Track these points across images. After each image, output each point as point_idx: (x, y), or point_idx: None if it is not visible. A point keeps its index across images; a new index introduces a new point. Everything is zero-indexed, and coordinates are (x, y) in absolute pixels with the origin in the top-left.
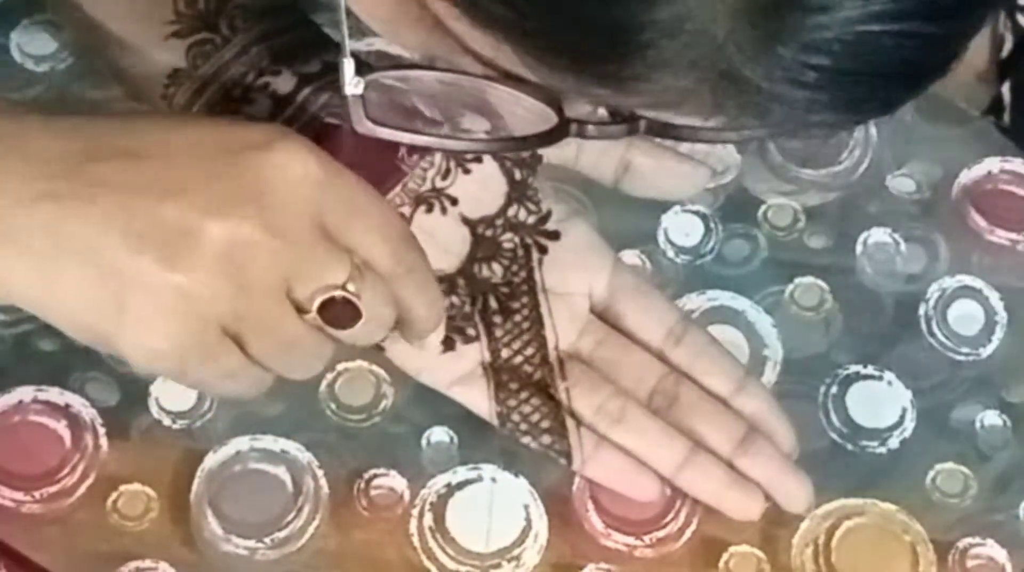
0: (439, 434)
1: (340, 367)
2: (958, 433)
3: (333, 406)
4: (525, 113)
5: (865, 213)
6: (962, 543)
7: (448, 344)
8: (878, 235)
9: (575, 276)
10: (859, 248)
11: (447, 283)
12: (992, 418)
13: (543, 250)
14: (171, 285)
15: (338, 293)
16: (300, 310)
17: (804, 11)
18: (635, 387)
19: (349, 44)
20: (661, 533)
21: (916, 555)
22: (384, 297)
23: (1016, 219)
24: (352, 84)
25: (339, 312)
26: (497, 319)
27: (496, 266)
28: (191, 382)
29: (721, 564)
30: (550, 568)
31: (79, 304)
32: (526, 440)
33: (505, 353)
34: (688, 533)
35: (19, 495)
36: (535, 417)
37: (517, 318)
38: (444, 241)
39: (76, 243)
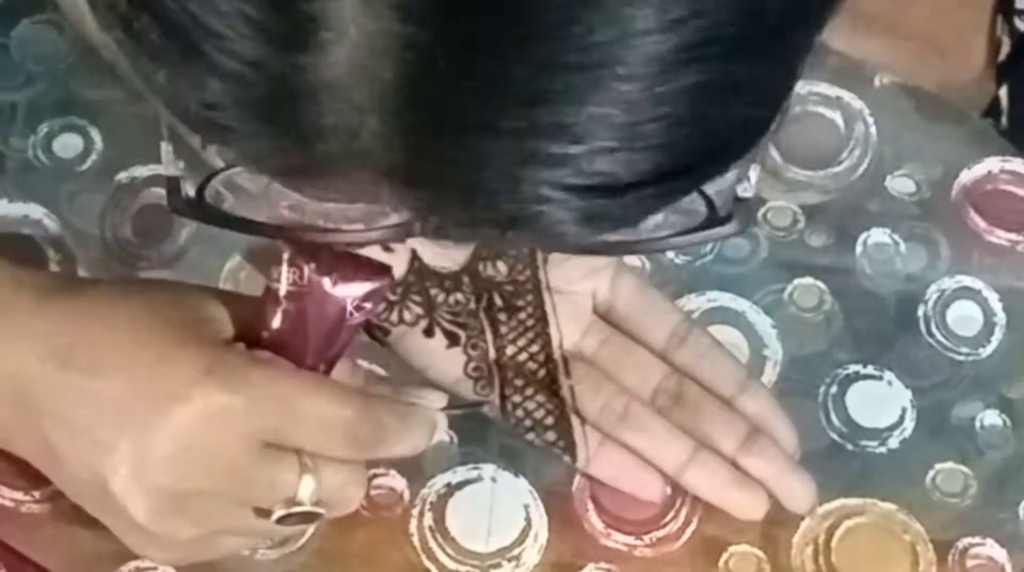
0: (439, 434)
1: None
2: (958, 433)
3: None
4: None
5: (865, 213)
6: (962, 543)
7: (453, 340)
8: (878, 235)
9: (579, 276)
10: (859, 248)
11: (451, 281)
12: (992, 417)
13: None
14: (139, 525)
15: (293, 508)
16: (265, 514)
17: (437, 108)
18: (638, 386)
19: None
20: (661, 533)
21: (916, 555)
22: (344, 481)
23: (1016, 220)
24: (171, 166)
25: (300, 519)
26: (502, 316)
27: (500, 265)
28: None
29: (721, 564)
30: (550, 568)
31: (83, 502)
32: (530, 436)
33: (510, 350)
34: (688, 533)
35: (19, 495)
36: (539, 414)
37: (522, 316)
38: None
39: (64, 445)
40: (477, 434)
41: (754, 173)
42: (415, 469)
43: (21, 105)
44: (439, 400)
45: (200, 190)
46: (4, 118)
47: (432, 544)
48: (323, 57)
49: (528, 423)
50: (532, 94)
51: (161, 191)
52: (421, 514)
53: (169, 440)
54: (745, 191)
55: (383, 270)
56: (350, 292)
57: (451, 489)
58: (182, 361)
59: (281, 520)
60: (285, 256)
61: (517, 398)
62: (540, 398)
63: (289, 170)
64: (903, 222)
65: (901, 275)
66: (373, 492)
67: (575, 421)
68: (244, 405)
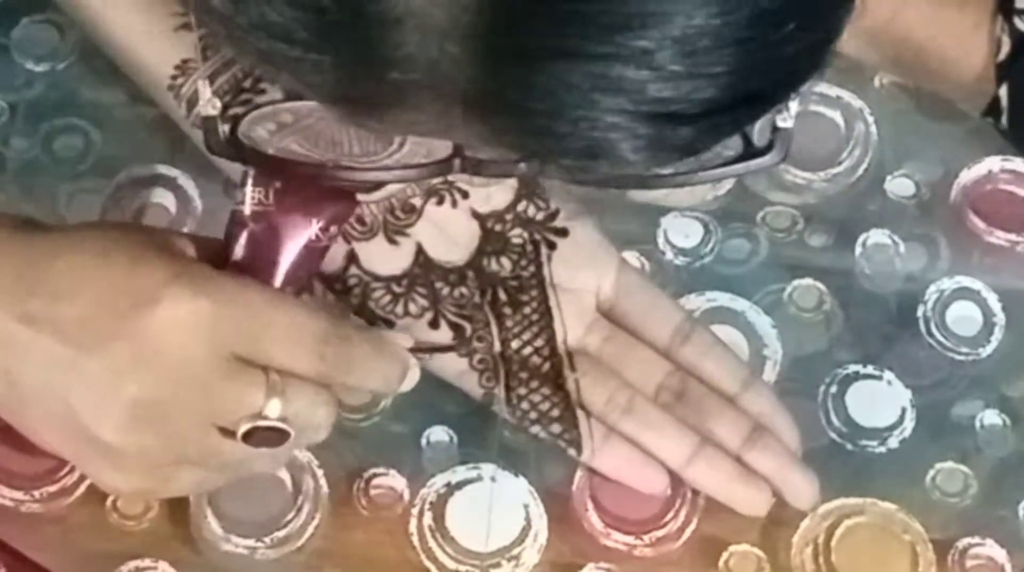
0: (439, 433)
1: None
2: (958, 432)
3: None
4: (420, 143)
5: (865, 214)
6: (961, 543)
7: (459, 332)
8: (877, 236)
9: (583, 273)
10: (858, 249)
11: (456, 275)
12: (992, 417)
13: (552, 246)
14: (104, 445)
15: (258, 422)
16: (233, 435)
17: (517, 34)
18: (642, 383)
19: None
20: (661, 532)
21: (916, 554)
22: (313, 403)
23: (1016, 220)
24: (208, 105)
25: (264, 437)
26: (507, 310)
27: (505, 260)
28: (171, 496)
29: (721, 563)
30: (550, 567)
31: (48, 440)
32: (535, 429)
33: (515, 344)
34: (688, 532)
35: (19, 494)
36: (545, 406)
37: (526, 310)
38: (454, 234)
39: (28, 388)
40: (477, 434)
41: (794, 103)
42: (415, 469)
43: (21, 105)
44: (405, 340)
45: (233, 129)
46: (4, 118)
47: (432, 544)
48: None
49: (533, 415)
50: (610, 19)
51: (161, 191)
52: (421, 514)
53: (136, 345)
54: (784, 121)
55: (348, 195)
56: (316, 212)
57: (451, 489)
58: (150, 268)
59: (246, 437)
60: (250, 177)
61: (523, 391)
62: (545, 391)
63: (361, 101)
64: (903, 223)
65: (901, 275)
66: (373, 492)
67: (580, 415)
68: (212, 310)
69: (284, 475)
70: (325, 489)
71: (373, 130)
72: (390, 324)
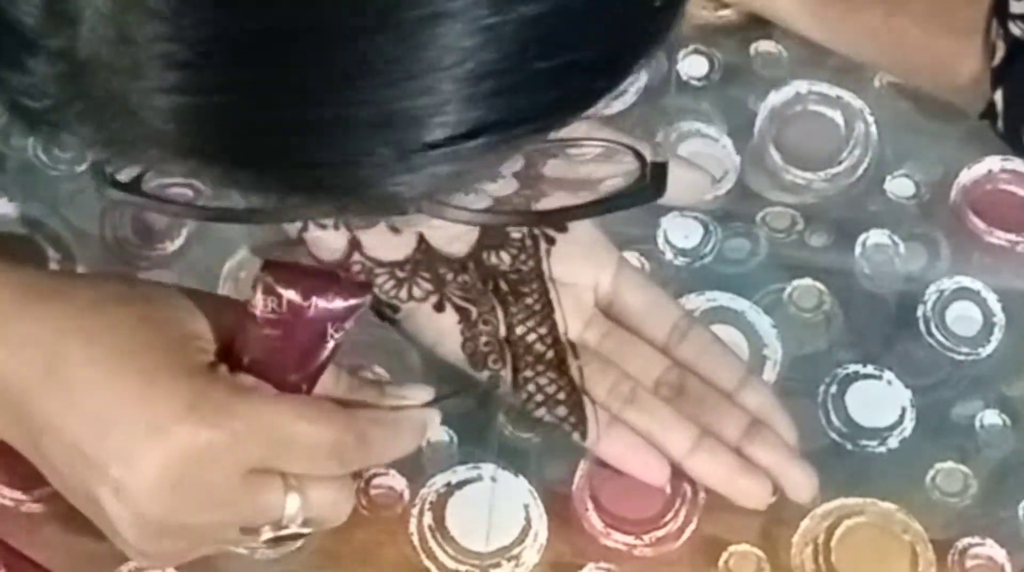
0: (438, 433)
1: None
2: (958, 432)
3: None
4: None
5: (865, 214)
6: (961, 543)
7: (464, 316)
8: (877, 236)
9: (582, 269)
10: (858, 249)
11: (458, 264)
12: (992, 417)
13: (551, 241)
14: (124, 541)
15: (281, 532)
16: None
17: None
18: (641, 378)
19: None
20: (660, 532)
21: (915, 554)
22: (332, 498)
23: (1016, 220)
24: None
25: (288, 538)
26: (510, 298)
27: (504, 255)
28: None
29: (721, 563)
30: (549, 567)
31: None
32: (541, 412)
33: (520, 329)
34: (688, 532)
35: (19, 494)
36: (551, 389)
37: (528, 301)
38: (452, 229)
39: (55, 461)
40: (477, 433)
41: (663, 135)
42: (415, 468)
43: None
44: (425, 393)
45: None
46: (4, 118)
47: (432, 543)
48: (80, 31)
49: (539, 398)
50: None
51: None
52: (421, 513)
53: (153, 474)
54: (657, 156)
55: (362, 288)
56: (329, 314)
57: (451, 489)
58: (164, 394)
59: (268, 541)
60: (260, 285)
61: (529, 373)
62: (551, 375)
63: (105, 146)
64: (903, 223)
65: (900, 275)
66: (373, 492)
67: (585, 400)
68: (228, 440)
69: None
70: None
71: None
72: (395, 309)
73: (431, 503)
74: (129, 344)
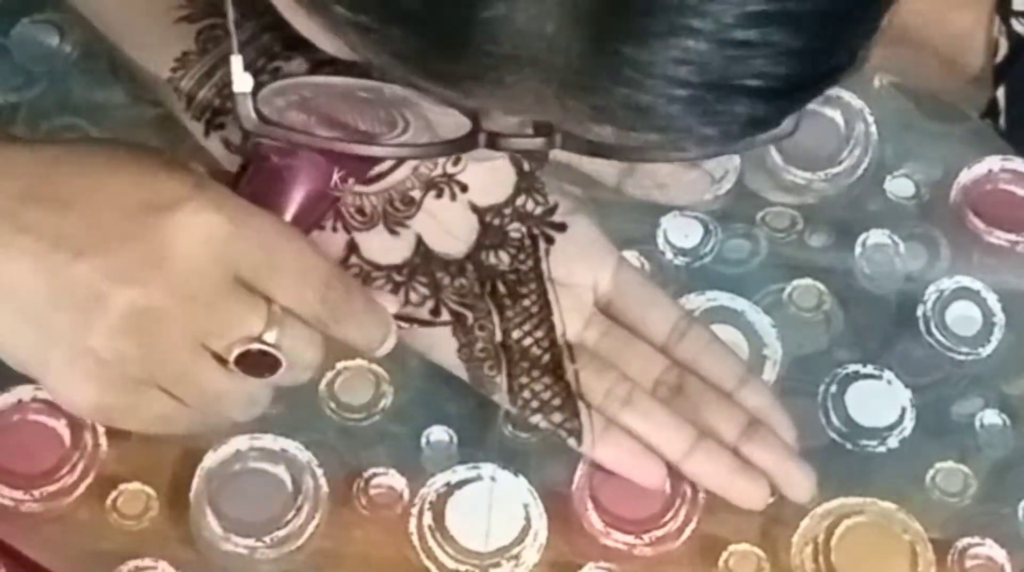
0: (438, 433)
1: (340, 366)
2: (958, 432)
3: (332, 405)
4: (442, 119)
5: (864, 214)
6: (961, 542)
7: (460, 321)
8: (877, 237)
9: (581, 268)
10: (858, 249)
11: (456, 266)
12: (992, 417)
13: (550, 241)
14: (85, 348)
15: (253, 345)
16: (221, 361)
17: (632, 12)
18: (639, 378)
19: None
20: (660, 532)
21: (915, 554)
22: (306, 341)
23: (1016, 220)
24: (242, 81)
25: (257, 362)
26: (507, 301)
27: (503, 254)
28: (128, 427)
29: (721, 563)
30: (549, 567)
31: (10, 344)
32: (536, 418)
33: (516, 334)
34: (687, 532)
35: (19, 494)
36: (547, 395)
37: (526, 302)
38: (452, 227)
39: (5, 286)
40: (477, 434)
41: None
42: (415, 468)
43: (21, 105)
44: (391, 304)
45: (254, 102)
46: (4, 118)
47: (432, 543)
48: None
49: (535, 404)
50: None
51: None
52: (420, 513)
53: (146, 248)
54: None
55: (369, 157)
56: (339, 162)
57: (450, 488)
58: (170, 177)
59: (238, 360)
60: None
61: (524, 380)
62: (547, 380)
63: (453, 78)
64: (902, 223)
65: (900, 275)
66: (373, 492)
67: (581, 405)
68: (228, 228)
69: (284, 475)
70: (325, 489)
71: (449, 103)
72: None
73: (431, 503)
74: (127, 154)
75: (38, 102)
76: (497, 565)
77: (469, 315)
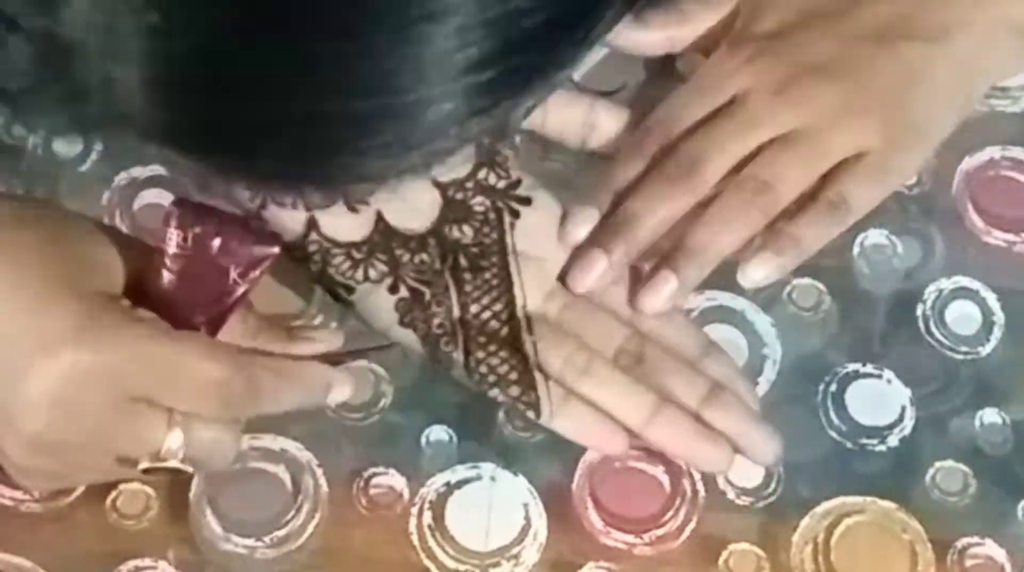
0: (438, 433)
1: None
2: (957, 431)
3: (332, 405)
4: None
5: None
6: (961, 542)
7: (417, 297)
8: (875, 237)
9: (547, 241)
10: (856, 249)
11: (417, 241)
12: (992, 416)
13: (515, 214)
14: (8, 458)
15: (157, 464)
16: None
17: None
18: (601, 348)
19: None
20: (660, 531)
21: (915, 554)
22: (216, 436)
23: (1016, 215)
24: None
25: (165, 473)
26: (467, 276)
27: (467, 228)
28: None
29: (720, 562)
30: (549, 566)
31: None
32: (494, 393)
33: (474, 308)
34: (687, 531)
35: (19, 494)
36: (503, 369)
37: (487, 275)
38: (414, 202)
39: None
40: (477, 433)
41: None
42: (414, 468)
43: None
44: (335, 339)
45: None
46: (4, 118)
47: (431, 543)
48: (66, 14)
49: (492, 379)
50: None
51: (161, 191)
52: (420, 513)
53: (36, 392)
54: None
55: (272, 239)
56: (234, 260)
57: (450, 488)
58: (55, 313)
59: (146, 472)
60: (173, 218)
61: (480, 354)
62: (503, 354)
63: (84, 131)
64: (900, 219)
65: (899, 275)
66: (373, 491)
67: (539, 377)
68: (111, 366)
69: (284, 474)
70: (325, 488)
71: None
72: (350, 290)
73: (431, 502)
74: (32, 262)
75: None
76: (497, 565)
77: (427, 291)
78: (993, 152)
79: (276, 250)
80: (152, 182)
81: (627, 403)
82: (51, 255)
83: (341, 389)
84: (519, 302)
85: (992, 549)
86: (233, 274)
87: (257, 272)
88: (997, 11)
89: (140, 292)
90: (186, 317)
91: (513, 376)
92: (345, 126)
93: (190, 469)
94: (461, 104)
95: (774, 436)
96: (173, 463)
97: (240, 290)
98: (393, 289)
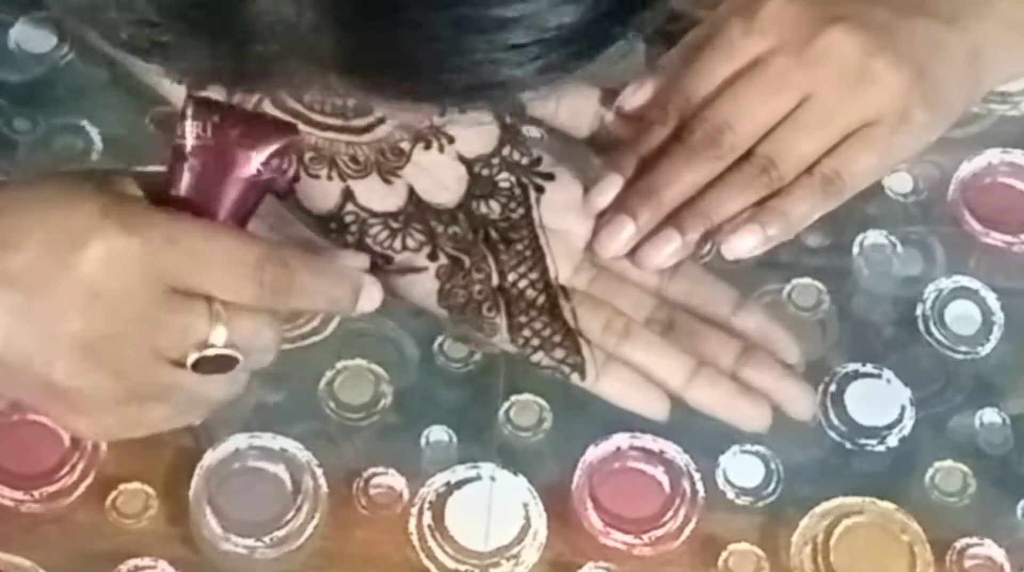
0: (438, 433)
1: (339, 365)
2: (957, 430)
3: (332, 405)
4: None
5: (862, 214)
6: (960, 543)
7: (457, 264)
8: (874, 237)
9: (570, 216)
10: (855, 249)
11: (448, 215)
12: (992, 416)
13: (540, 189)
14: (60, 389)
15: (206, 351)
16: (181, 366)
17: None
18: (632, 316)
19: None
20: (660, 532)
21: (913, 555)
22: (257, 327)
23: (1013, 219)
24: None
25: (215, 362)
26: (501, 247)
27: (494, 203)
28: (137, 436)
29: (720, 562)
30: (549, 567)
31: (13, 390)
32: (538, 357)
33: (511, 277)
34: (687, 532)
35: (19, 494)
36: (547, 332)
37: (519, 247)
38: (442, 178)
39: None
40: (476, 433)
41: None
42: (414, 468)
43: (22, 105)
44: (361, 260)
45: None
46: (4, 117)
47: (431, 543)
48: None
49: (536, 342)
50: None
51: None
52: (420, 513)
53: (73, 288)
54: None
55: (288, 127)
56: (256, 145)
57: (450, 488)
58: (79, 207)
59: (196, 366)
60: (190, 110)
61: (523, 318)
62: (545, 319)
63: (232, 77)
64: (900, 224)
65: (899, 275)
66: (372, 491)
67: (581, 341)
68: (143, 247)
69: (283, 474)
70: (325, 489)
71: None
72: (388, 260)
73: (430, 502)
74: (57, 189)
75: (38, 101)
76: (497, 565)
77: (466, 259)
78: (992, 156)
79: (294, 135)
80: None
81: (667, 365)
82: (77, 178)
83: (370, 297)
84: (552, 273)
85: (991, 549)
86: (256, 163)
87: (278, 160)
88: (1005, 8)
89: (160, 195)
90: (211, 214)
91: (557, 339)
92: (489, 31)
93: (239, 356)
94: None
95: (809, 390)
96: (220, 350)
97: (263, 179)
98: (432, 257)
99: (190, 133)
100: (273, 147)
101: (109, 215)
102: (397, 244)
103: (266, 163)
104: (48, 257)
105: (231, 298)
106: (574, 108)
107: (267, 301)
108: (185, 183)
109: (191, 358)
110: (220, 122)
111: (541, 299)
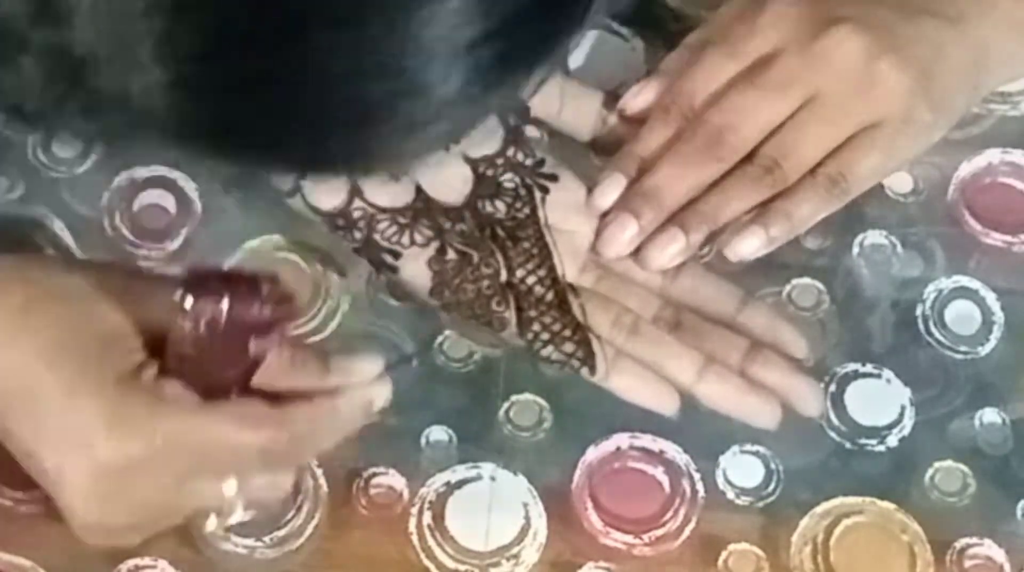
0: (438, 433)
1: None
2: (957, 430)
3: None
4: None
5: (862, 215)
6: (960, 543)
7: (466, 260)
8: (874, 237)
9: (576, 216)
10: (855, 250)
11: (455, 213)
12: (991, 416)
13: (544, 190)
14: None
15: (223, 523)
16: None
17: None
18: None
19: None
20: (660, 532)
21: (913, 555)
22: (268, 481)
23: (1013, 219)
24: None
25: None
26: (508, 244)
27: (500, 203)
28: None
29: (720, 562)
30: (549, 566)
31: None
32: (548, 351)
33: (520, 273)
34: (687, 532)
35: (19, 495)
36: (556, 327)
37: (526, 245)
38: (447, 177)
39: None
40: (476, 433)
41: None
42: (414, 468)
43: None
44: (373, 367)
45: None
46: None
47: (431, 543)
48: (74, 25)
49: (546, 336)
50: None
51: (161, 191)
52: (420, 513)
53: (82, 488)
54: None
55: (286, 298)
56: (251, 330)
57: (450, 488)
58: (85, 408)
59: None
60: (185, 302)
61: (533, 313)
62: (555, 313)
63: (104, 139)
64: (900, 225)
65: (899, 276)
66: (372, 492)
67: (591, 336)
68: (151, 455)
69: None
70: (325, 488)
71: None
72: (396, 255)
73: (430, 502)
74: (51, 350)
75: None
76: (497, 564)
77: (475, 254)
78: (992, 156)
79: (292, 309)
80: (152, 182)
81: (677, 361)
82: (68, 339)
83: (381, 397)
84: (559, 271)
85: (991, 549)
86: (253, 342)
87: (277, 332)
88: (1008, 8)
89: (167, 348)
90: (217, 372)
91: (567, 333)
92: (360, 111)
93: (256, 516)
94: (472, 79)
95: (816, 387)
96: (238, 518)
97: (263, 348)
98: (441, 251)
99: (186, 327)
100: (268, 325)
101: (115, 427)
102: (405, 239)
103: (264, 334)
104: (56, 440)
105: (244, 474)
106: (577, 111)
107: (279, 468)
108: (187, 346)
109: (208, 529)
110: (211, 320)
111: (550, 295)
